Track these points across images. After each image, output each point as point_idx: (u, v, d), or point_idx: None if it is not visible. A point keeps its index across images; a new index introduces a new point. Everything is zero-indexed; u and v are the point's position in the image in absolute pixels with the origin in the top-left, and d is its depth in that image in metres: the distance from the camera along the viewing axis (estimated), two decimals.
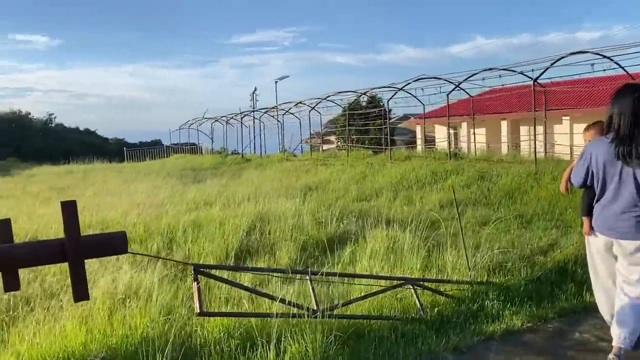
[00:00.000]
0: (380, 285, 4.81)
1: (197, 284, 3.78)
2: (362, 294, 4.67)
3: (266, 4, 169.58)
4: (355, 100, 22.33)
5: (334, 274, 4.70)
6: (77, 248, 3.46)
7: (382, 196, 12.48)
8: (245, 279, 5.49)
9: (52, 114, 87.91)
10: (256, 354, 3.85)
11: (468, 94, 18.20)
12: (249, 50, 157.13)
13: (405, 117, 42.55)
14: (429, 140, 33.02)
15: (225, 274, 5.27)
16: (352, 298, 4.44)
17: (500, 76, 15.74)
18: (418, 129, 37.50)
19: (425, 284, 5.01)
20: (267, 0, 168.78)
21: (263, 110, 28.45)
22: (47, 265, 4.29)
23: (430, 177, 13.63)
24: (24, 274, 5.87)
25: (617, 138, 3.42)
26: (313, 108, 23.34)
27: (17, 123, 77.26)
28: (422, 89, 18.86)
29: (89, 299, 3.52)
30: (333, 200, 13.04)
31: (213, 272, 4.45)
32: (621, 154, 3.38)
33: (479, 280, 5.46)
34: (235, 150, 31.87)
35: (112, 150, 51.70)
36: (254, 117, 30.68)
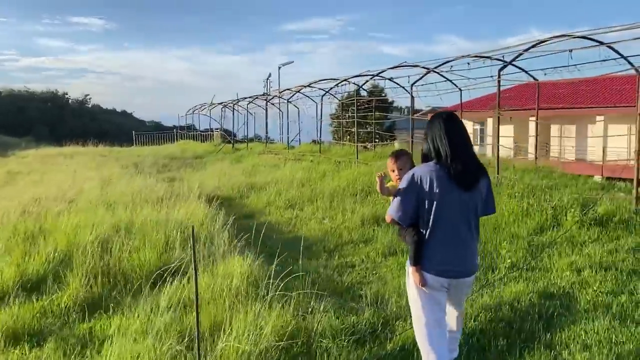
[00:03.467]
0: None
1: None
2: None
3: None
4: (335, 89, 19.89)
5: None
6: None
7: (315, 203, 10.37)
8: None
9: (88, 95, 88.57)
10: None
11: (454, 87, 15.54)
12: (297, 37, 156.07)
13: (433, 110, 39.93)
14: None
15: None
16: None
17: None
18: None
19: None
20: None
21: (252, 97, 26.51)
22: None
23: None
24: None
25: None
26: (297, 92, 21.25)
27: (54, 103, 78.50)
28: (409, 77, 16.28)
29: None
30: (262, 206, 11.10)
31: None
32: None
33: None
34: (236, 137, 30.21)
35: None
36: (256, 104, 28.86)
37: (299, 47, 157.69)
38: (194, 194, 10.99)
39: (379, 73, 14.69)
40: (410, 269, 3.24)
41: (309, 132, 26.21)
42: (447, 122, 3.22)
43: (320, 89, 20.07)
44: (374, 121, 20.97)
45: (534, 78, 14.46)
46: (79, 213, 9.13)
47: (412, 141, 21.44)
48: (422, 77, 13.37)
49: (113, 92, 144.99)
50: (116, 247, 6.70)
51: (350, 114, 23.76)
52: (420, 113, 39.12)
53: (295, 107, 25.77)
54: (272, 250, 7.37)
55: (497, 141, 10.08)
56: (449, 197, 3.11)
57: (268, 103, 25.42)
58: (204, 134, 38.55)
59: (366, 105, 22.72)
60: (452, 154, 3.11)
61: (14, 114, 71.62)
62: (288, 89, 22.40)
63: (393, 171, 3.60)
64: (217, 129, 38.68)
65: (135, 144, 39.65)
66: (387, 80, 16.61)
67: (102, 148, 32.06)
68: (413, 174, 3.19)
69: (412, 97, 14.00)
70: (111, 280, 5.97)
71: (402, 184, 3.24)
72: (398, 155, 3.63)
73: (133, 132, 41.05)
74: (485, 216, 3.35)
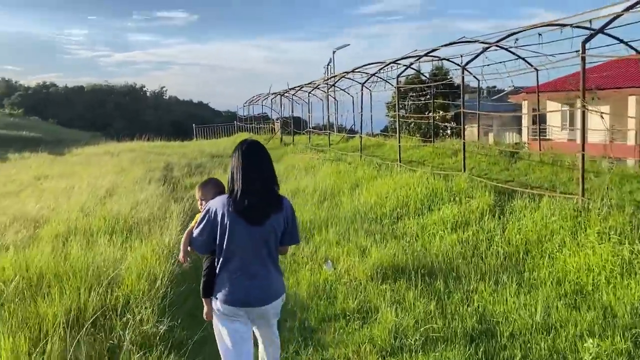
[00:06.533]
0: None
1: None
2: None
3: None
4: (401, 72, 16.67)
5: None
6: None
7: (326, 233, 7.76)
8: None
9: (164, 87, 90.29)
10: None
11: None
12: (373, 20, 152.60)
13: (517, 91, 35.67)
14: (540, 121, 26.23)
15: None
16: None
17: None
18: (524, 107, 31.03)
19: None
20: None
21: (299, 87, 23.97)
22: None
23: (421, 202, 8.54)
24: None
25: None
26: (342, 77, 18.40)
27: (131, 96, 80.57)
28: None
29: None
30: None
31: None
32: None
33: None
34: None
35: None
36: (308, 93, 26.47)
37: (375, 29, 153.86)
38: (178, 217, 8.82)
39: (429, 52, 11.62)
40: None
41: (367, 122, 23.47)
42: (246, 154, 3.16)
43: (367, 73, 17.24)
44: (432, 114, 17.66)
45: (636, 50, 10.83)
46: (22, 250, 7.19)
47: (479, 129, 18.21)
48: (477, 56, 10.24)
49: (195, 82, 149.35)
50: None
51: (409, 102, 20.70)
52: (499, 96, 35.03)
53: (349, 95, 23.14)
54: None
55: (582, 147, 6.92)
56: (238, 230, 3.11)
57: (315, 90, 22.91)
58: (260, 126, 36.69)
59: (426, 91, 19.58)
60: (243, 189, 3.09)
61: (95, 109, 74.25)
62: (334, 76, 19.75)
63: (199, 200, 3.58)
64: (277, 119, 36.83)
65: (196, 137, 38.70)
66: (444, 61, 13.54)
67: (155, 143, 31.09)
68: (209, 207, 3.21)
69: (463, 79, 10.91)
70: None
71: (200, 215, 3.27)
72: (203, 184, 3.61)
73: (193, 125, 40.08)
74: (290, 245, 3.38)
